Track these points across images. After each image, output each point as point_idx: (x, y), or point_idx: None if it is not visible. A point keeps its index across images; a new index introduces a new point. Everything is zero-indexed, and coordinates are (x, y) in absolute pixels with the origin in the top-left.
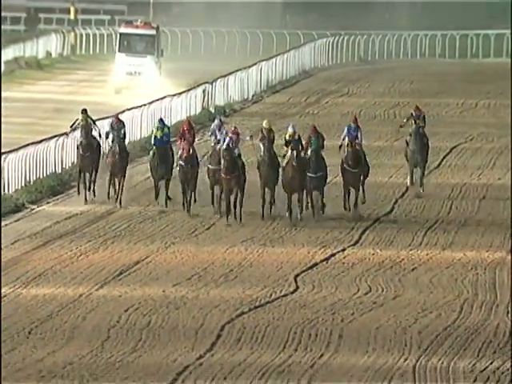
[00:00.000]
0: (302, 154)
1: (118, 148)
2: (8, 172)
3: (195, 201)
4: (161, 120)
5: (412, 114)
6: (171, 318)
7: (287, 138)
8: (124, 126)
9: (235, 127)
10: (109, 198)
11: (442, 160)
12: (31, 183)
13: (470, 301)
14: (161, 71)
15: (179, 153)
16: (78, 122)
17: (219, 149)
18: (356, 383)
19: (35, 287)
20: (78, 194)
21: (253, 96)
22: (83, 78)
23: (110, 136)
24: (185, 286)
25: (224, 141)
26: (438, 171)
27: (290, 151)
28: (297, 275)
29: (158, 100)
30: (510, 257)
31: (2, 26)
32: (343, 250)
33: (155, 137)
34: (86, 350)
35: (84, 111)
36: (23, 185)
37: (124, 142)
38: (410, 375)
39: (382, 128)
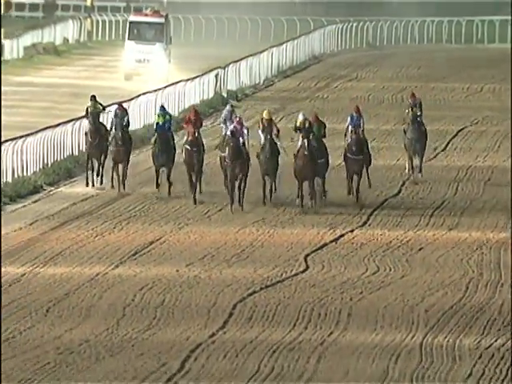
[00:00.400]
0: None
1: (121, 136)
2: (27, 155)
3: (200, 189)
4: (162, 107)
5: (409, 101)
6: (184, 296)
7: (298, 125)
8: (127, 113)
9: (240, 117)
10: (113, 185)
11: (448, 143)
12: (49, 165)
13: (475, 280)
14: (170, 58)
15: (185, 137)
16: (88, 109)
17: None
18: (364, 360)
19: (53, 267)
20: (87, 183)
21: (264, 81)
22: (99, 64)
23: (114, 124)
24: (198, 266)
25: (228, 128)
26: (445, 154)
27: (300, 139)
28: (307, 255)
29: (172, 85)
30: None
31: (21, 13)
32: (352, 230)
33: (157, 124)
34: (102, 328)
35: (93, 98)
36: (41, 167)
37: (127, 129)
38: (416, 352)
39: (390, 112)
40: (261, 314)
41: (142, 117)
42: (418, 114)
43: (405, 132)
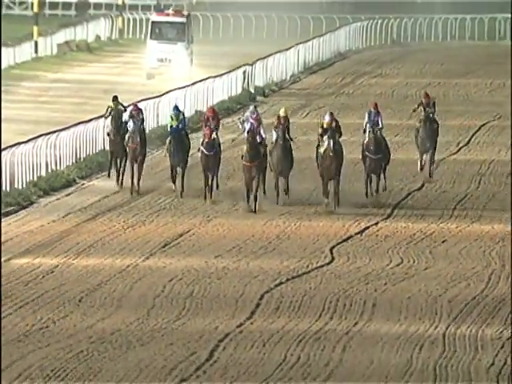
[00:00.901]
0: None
1: (138, 136)
2: (60, 149)
3: (217, 187)
4: (176, 107)
5: (422, 101)
6: (213, 287)
7: (324, 126)
8: (142, 113)
9: (257, 114)
10: (133, 184)
11: (471, 137)
12: (81, 160)
13: (497, 272)
14: (192, 57)
15: (202, 139)
16: (109, 109)
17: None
18: (388, 350)
19: (85, 258)
20: (109, 176)
21: (291, 77)
22: (130, 61)
23: (130, 124)
24: (226, 258)
25: (244, 127)
26: (468, 148)
27: (327, 140)
28: (332, 247)
29: (200, 81)
30: None
31: (54, 11)
32: (376, 223)
33: (171, 126)
34: (133, 318)
35: (115, 98)
36: (74, 161)
37: (143, 129)
38: (439, 342)
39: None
40: (287, 305)
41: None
42: (431, 113)
43: (418, 131)
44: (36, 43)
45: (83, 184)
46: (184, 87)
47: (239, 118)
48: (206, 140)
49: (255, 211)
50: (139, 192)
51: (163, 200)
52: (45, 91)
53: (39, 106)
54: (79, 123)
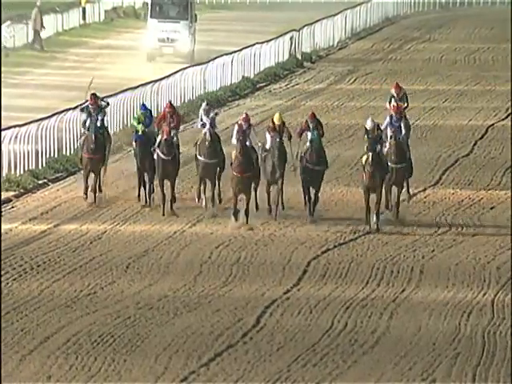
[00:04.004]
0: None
1: (93, 139)
2: (107, 115)
3: (174, 200)
4: (144, 106)
5: (392, 94)
6: (260, 254)
7: (369, 131)
8: (101, 109)
9: (246, 114)
10: (86, 195)
11: None
12: (128, 126)
13: None
14: (195, 37)
15: (158, 139)
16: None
17: (207, 137)
18: (436, 317)
19: (133, 224)
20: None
21: (338, 43)
22: None
23: (87, 122)
24: (273, 224)
25: (208, 125)
26: None
27: (367, 152)
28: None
29: (247, 47)
30: None
31: None
32: (424, 189)
33: (136, 132)
34: (180, 284)
35: (93, 96)
36: (121, 128)
37: (102, 129)
38: (488, 309)
39: (463, 72)
40: (334, 271)
41: (218, 79)
42: (404, 106)
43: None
44: (84, 10)
45: (130, 150)
46: (231, 53)
47: (201, 120)
48: (165, 137)
49: (248, 225)
50: (99, 204)
51: None
52: (92, 58)
53: (87, 73)
54: (126, 90)
